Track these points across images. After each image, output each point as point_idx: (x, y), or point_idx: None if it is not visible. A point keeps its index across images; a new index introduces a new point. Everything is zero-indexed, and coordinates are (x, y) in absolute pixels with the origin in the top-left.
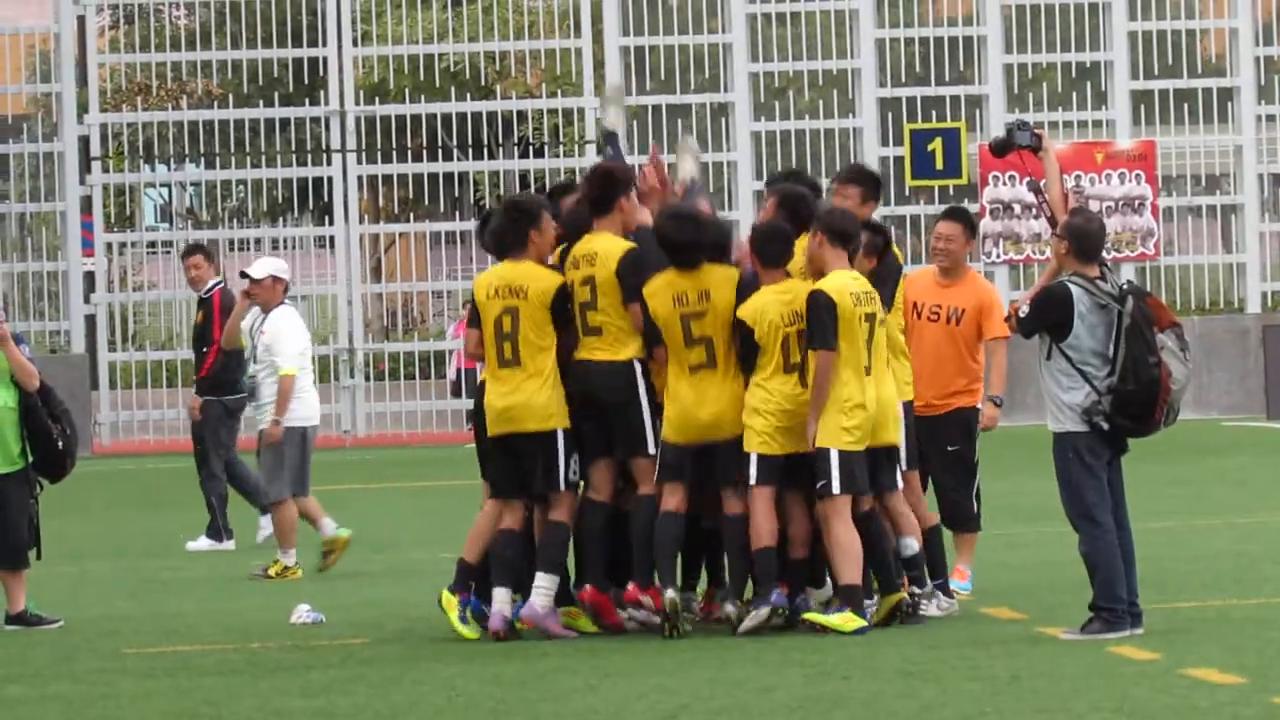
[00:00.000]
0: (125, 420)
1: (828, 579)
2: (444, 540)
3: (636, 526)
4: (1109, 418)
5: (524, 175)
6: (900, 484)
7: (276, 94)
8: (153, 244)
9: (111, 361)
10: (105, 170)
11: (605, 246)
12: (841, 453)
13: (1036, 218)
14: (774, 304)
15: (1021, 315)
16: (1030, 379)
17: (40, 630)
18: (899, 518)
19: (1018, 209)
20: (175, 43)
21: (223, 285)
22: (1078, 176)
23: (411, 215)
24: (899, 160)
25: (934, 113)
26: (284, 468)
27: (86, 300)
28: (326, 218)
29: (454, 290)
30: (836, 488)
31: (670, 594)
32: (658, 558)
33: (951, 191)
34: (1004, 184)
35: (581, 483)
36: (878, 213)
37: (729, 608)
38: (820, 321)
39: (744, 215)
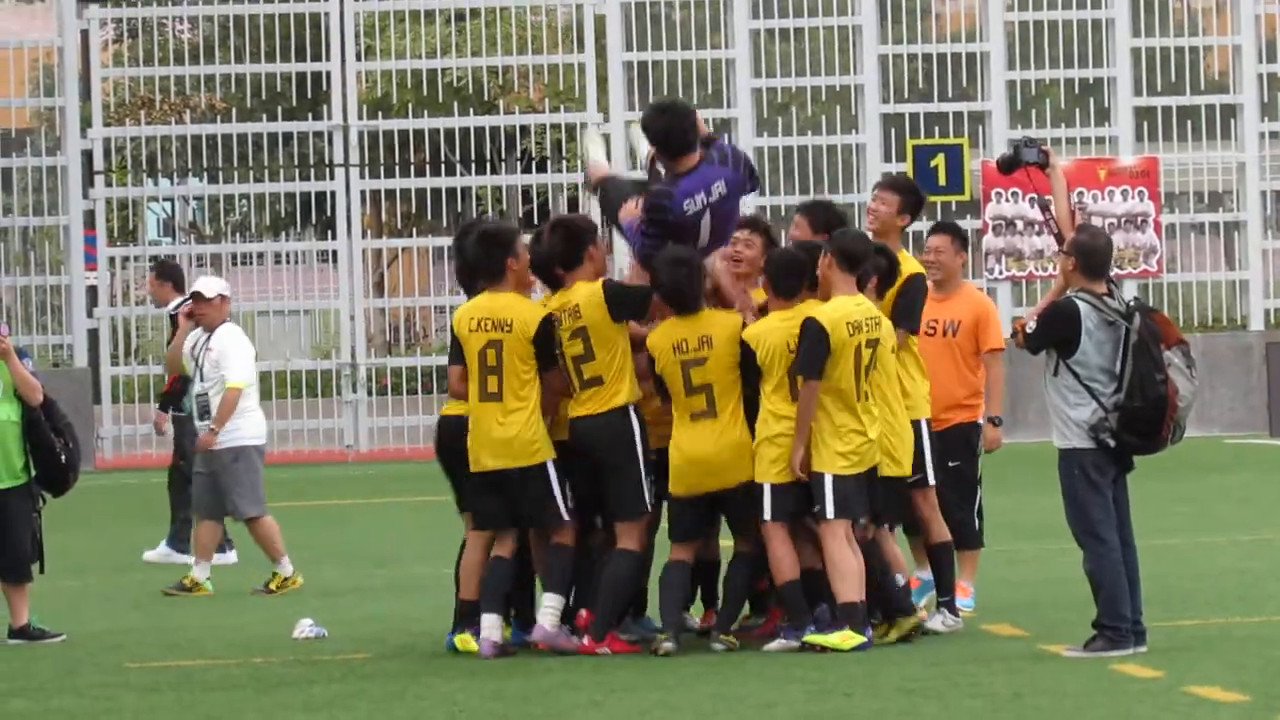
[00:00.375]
0: (128, 434)
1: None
2: (446, 555)
3: (609, 577)
4: (1116, 435)
5: (526, 190)
6: (889, 526)
7: (279, 108)
8: (156, 258)
9: (114, 376)
10: (108, 184)
11: (584, 294)
12: (836, 478)
13: (1039, 234)
14: (778, 329)
15: (1029, 331)
16: (1032, 396)
17: (43, 644)
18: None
19: (1020, 225)
20: (179, 57)
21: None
22: (1080, 193)
23: (414, 230)
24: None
25: (937, 129)
26: (252, 485)
27: (89, 314)
28: (329, 232)
29: (457, 305)
30: (830, 513)
31: (669, 646)
32: (664, 604)
33: (954, 207)
34: (1007, 200)
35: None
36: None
37: (717, 646)
38: (809, 349)
39: None
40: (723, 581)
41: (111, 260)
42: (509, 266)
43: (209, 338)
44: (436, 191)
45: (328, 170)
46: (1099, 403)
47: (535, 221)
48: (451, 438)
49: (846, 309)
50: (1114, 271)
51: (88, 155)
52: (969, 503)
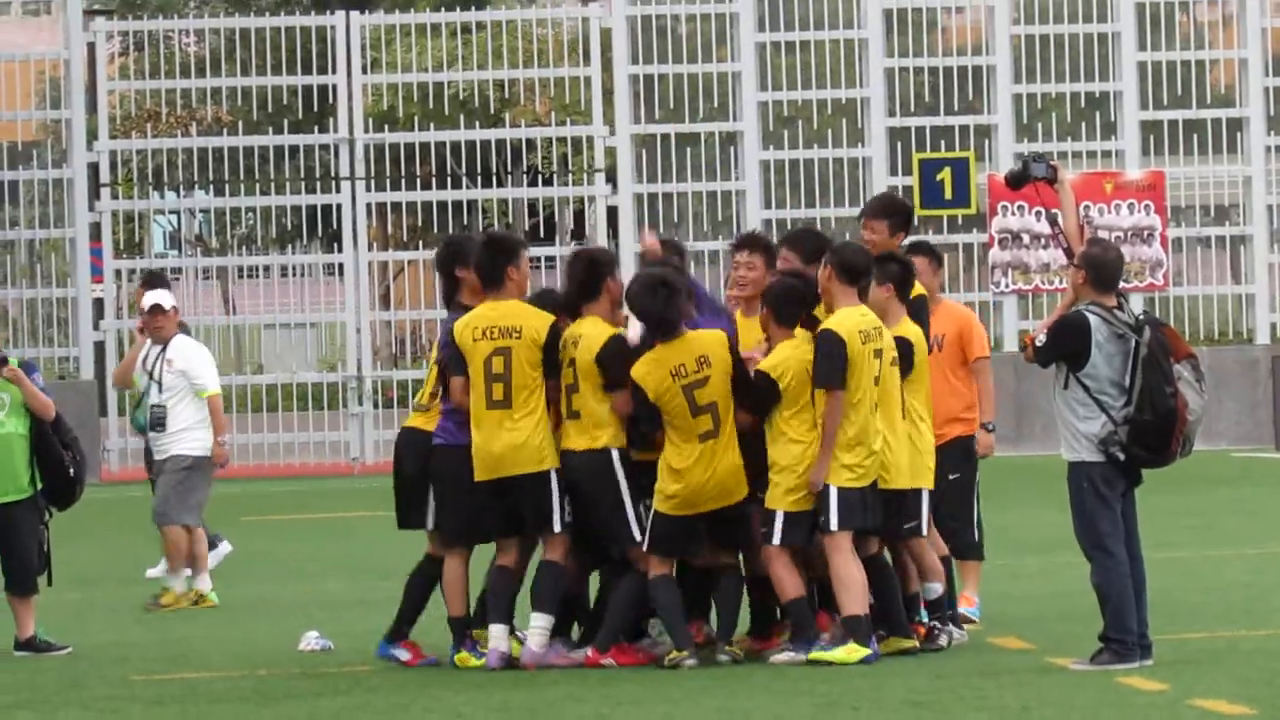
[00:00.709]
0: (134, 447)
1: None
2: None
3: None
4: (1125, 448)
5: (533, 203)
6: (924, 530)
7: (286, 121)
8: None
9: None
10: (114, 197)
11: (590, 331)
12: (840, 489)
13: (1045, 247)
14: (794, 355)
15: (1039, 344)
16: (1037, 409)
17: (49, 656)
18: (921, 561)
19: (1026, 239)
20: (185, 69)
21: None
22: (1086, 207)
23: (420, 243)
24: (907, 190)
25: (943, 142)
26: (197, 496)
27: (95, 327)
28: (335, 245)
29: None
30: (834, 524)
31: (692, 662)
32: (671, 625)
33: (960, 221)
34: (1013, 214)
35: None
36: None
37: (723, 657)
38: (828, 360)
39: None
40: (715, 595)
41: (118, 273)
42: (509, 275)
43: (164, 349)
44: (443, 205)
45: (334, 183)
46: (1108, 416)
47: (541, 235)
48: (416, 453)
49: (855, 319)
50: (1120, 285)
51: (94, 168)
52: (969, 514)
